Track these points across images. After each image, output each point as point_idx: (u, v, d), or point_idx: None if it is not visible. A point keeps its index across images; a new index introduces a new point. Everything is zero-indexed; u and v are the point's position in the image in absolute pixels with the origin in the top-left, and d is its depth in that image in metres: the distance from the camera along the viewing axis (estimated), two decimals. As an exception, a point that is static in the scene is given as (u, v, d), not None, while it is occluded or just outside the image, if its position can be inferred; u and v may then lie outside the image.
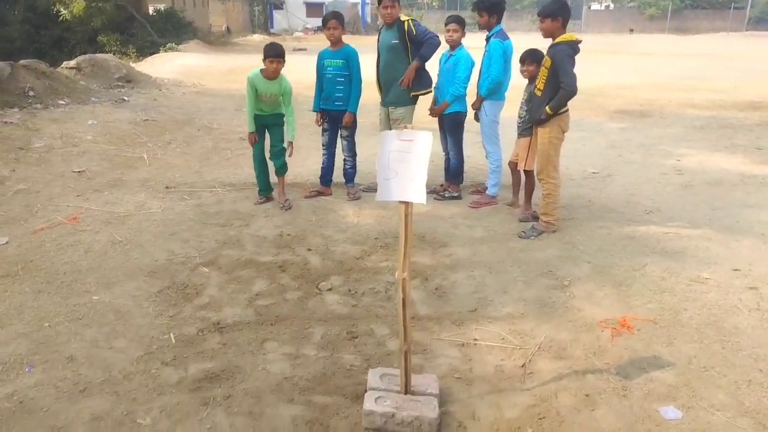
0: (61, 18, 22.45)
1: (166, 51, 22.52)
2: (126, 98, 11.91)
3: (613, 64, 21.36)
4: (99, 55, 14.57)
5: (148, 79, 14.64)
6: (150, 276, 4.28)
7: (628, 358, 3.30)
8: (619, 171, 7.40)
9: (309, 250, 4.85)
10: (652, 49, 28.97)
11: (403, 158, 2.68)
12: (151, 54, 21.77)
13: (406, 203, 2.67)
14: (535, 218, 5.44)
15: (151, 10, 27.86)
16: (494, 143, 5.92)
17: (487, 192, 6.01)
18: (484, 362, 3.31)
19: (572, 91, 4.74)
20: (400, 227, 2.67)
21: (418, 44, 5.62)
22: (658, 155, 8.26)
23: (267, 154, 5.90)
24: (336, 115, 5.90)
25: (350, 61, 5.76)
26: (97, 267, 4.38)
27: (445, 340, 3.55)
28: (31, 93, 10.71)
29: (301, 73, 11.45)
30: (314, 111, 6.02)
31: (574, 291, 4.10)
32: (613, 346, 3.42)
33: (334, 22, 5.70)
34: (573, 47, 4.76)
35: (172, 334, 3.55)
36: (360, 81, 5.83)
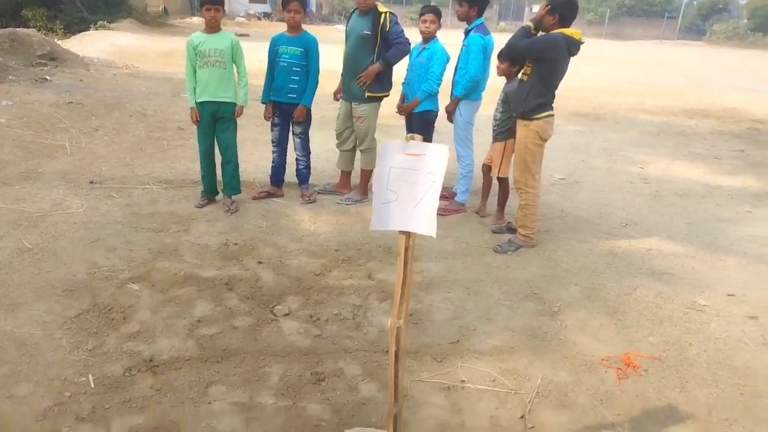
0: (-20, -10, 20.55)
1: (96, 29, 20.99)
2: (48, 77, 10.73)
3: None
4: (20, 30, 13.17)
5: (75, 58, 13.38)
6: (66, 295, 3.52)
7: (641, 408, 2.85)
8: (586, 177, 7.06)
9: (260, 263, 4.19)
10: (592, 53, 29.38)
11: (409, 177, 2.11)
12: (80, 32, 20.23)
13: (407, 234, 2.10)
14: (510, 230, 4.98)
15: (81, -15, 26.01)
16: (467, 146, 5.41)
17: (456, 198, 5.51)
18: (477, 413, 2.78)
19: (508, 50, 4.47)
20: (398, 263, 2.10)
21: (387, 44, 5.03)
22: (621, 161, 8.01)
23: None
24: (288, 109, 5.23)
25: (309, 51, 5.10)
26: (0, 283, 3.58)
27: (428, 382, 3.00)
28: (-65, 67, 9.45)
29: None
30: (264, 103, 5.33)
31: (566, 319, 3.64)
32: (621, 391, 2.97)
33: (296, 4, 5.01)
34: (568, 41, 4.27)
35: (90, 376, 2.84)
36: (317, 72, 5.18)
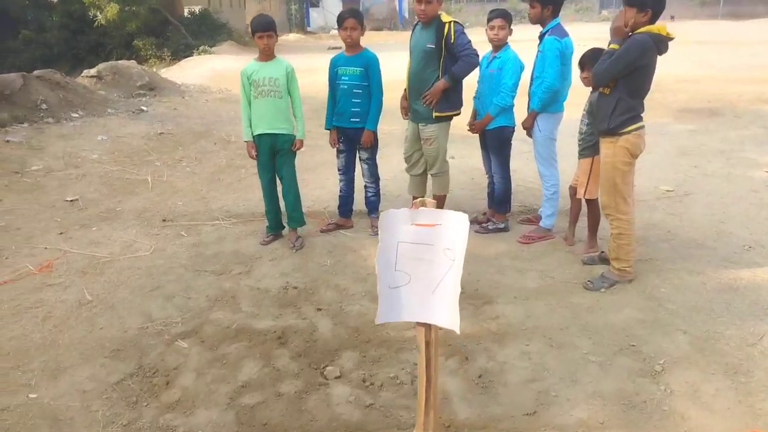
0: (96, 23, 22.20)
1: (199, 54, 21.99)
2: (145, 108, 11.18)
3: (666, 53, 19.62)
4: (121, 63, 13.94)
5: (173, 86, 13.94)
6: (112, 356, 3.37)
7: None
8: (699, 188, 6.17)
9: (319, 309, 3.87)
10: (705, 37, 26.87)
11: (422, 254, 1.69)
12: (186, 57, 21.28)
13: (427, 326, 1.66)
14: (603, 260, 4.33)
15: (186, 12, 27.48)
16: (551, 165, 4.81)
17: (541, 223, 4.91)
18: None
19: (595, 81, 3.81)
20: (420, 365, 1.66)
21: (453, 57, 4.55)
22: (741, 165, 6.97)
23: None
24: (353, 134, 4.89)
25: (370, 69, 4.74)
26: (50, 343, 3.49)
27: (494, 471, 2.51)
28: (43, 106, 10.05)
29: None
30: (327, 129, 5.02)
31: (671, 382, 3.00)
32: (745, 492, 2.33)
33: (352, 21, 4.68)
34: (656, 40, 3.63)
35: (119, 459, 2.61)
36: (381, 93, 4.81)
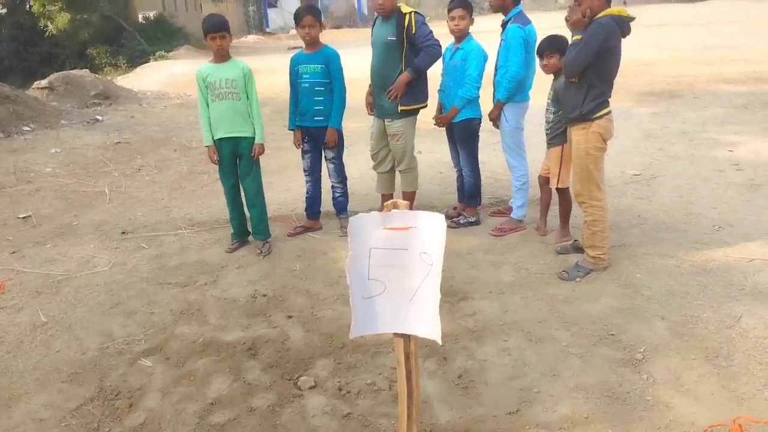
0: (47, 33, 21.50)
1: (156, 60, 21.49)
2: (100, 117, 10.85)
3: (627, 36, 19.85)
4: (73, 72, 13.50)
5: (129, 94, 13.57)
6: (71, 381, 3.17)
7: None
8: (665, 170, 6.19)
9: (289, 317, 3.72)
10: (659, 21, 27.35)
11: (396, 260, 1.56)
12: (142, 63, 20.77)
13: (406, 337, 1.54)
14: (577, 249, 4.28)
15: (140, 18, 26.85)
16: (519, 155, 4.74)
17: (512, 215, 4.84)
18: None
19: (567, 73, 3.73)
20: (399, 378, 1.54)
21: (415, 48, 4.44)
22: (705, 145, 7.04)
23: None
24: (317, 133, 4.75)
25: (331, 66, 4.60)
26: (3, 370, 3.26)
27: (479, 476, 2.41)
28: (-8, 121, 9.66)
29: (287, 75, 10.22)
30: (290, 129, 4.87)
31: (653, 370, 2.94)
32: (736, 480, 2.27)
33: (309, 18, 4.53)
34: (619, 22, 3.58)
35: (80, 493, 2.43)
36: (343, 89, 4.67)
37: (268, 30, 43.04)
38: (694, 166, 6.22)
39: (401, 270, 1.58)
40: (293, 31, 40.34)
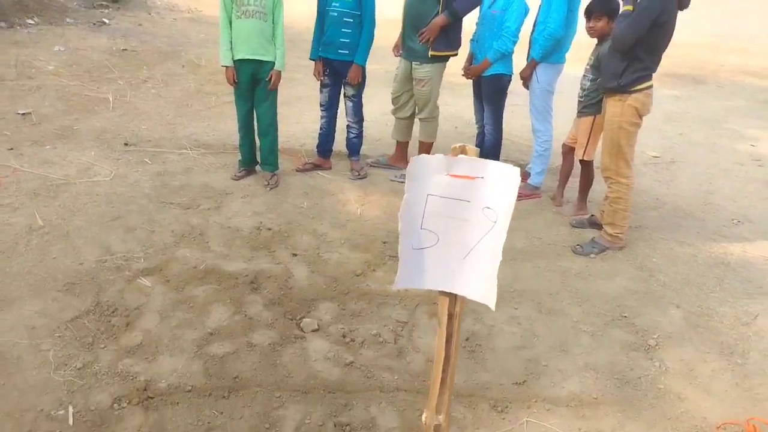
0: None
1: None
2: (107, 21, 10.36)
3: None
4: (82, -31, 12.84)
5: (138, 0, 12.99)
6: (66, 290, 3.05)
7: None
8: (685, 156, 6.04)
9: (294, 255, 3.60)
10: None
11: (455, 211, 1.42)
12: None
13: (452, 296, 1.42)
14: (593, 224, 4.17)
15: None
16: (545, 120, 4.56)
17: (529, 181, 4.69)
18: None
19: (616, 47, 3.48)
20: (438, 340, 1.43)
21: None
22: (727, 136, 6.88)
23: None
24: (339, 67, 4.50)
25: (364, -2, 4.33)
26: (-5, 271, 3.14)
27: (483, 443, 2.35)
28: (-6, 8, 9.20)
29: (309, 2, 9.76)
30: (312, 59, 4.62)
31: (666, 358, 2.87)
32: (745, 481, 2.23)
33: (347, -58, 4.23)
34: None
35: (71, 408, 2.34)
36: (373, 25, 4.41)
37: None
38: (715, 156, 6.08)
39: (459, 223, 1.45)
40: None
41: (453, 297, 1.50)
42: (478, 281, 1.45)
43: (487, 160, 1.45)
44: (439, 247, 1.47)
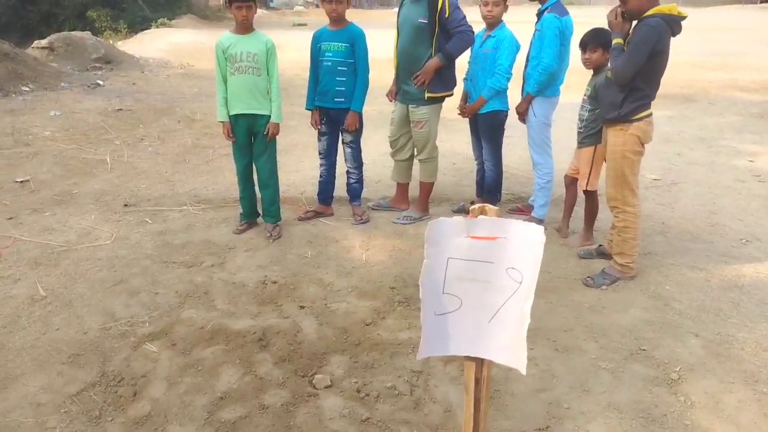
0: (47, -9, 21.02)
1: (157, 27, 21.06)
2: (101, 82, 10.53)
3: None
4: (75, 33, 13.12)
5: (131, 60, 13.22)
6: (71, 362, 2.98)
7: None
8: (685, 176, 6.03)
9: (301, 307, 3.54)
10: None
11: (478, 274, 1.37)
12: (143, 30, 20.33)
13: (479, 361, 1.36)
14: (601, 254, 4.12)
15: (143, -17, 26.26)
16: (545, 152, 4.55)
17: (533, 213, 4.66)
18: None
19: (618, 82, 3.48)
20: (466, 407, 1.37)
21: (447, 32, 4.23)
22: (724, 153, 6.89)
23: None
24: (336, 115, 4.53)
25: (356, 45, 4.37)
26: (-2, 347, 3.07)
27: (511, 498, 2.25)
28: (-10, 78, 9.34)
29: (299, 51, 9.94)
30: (308, 109, 4.65)
31: (690, 392, 2.78)
32: None
33: (337, -8, 4.29)
34: (669, 21, 3.39)
35: (80, 489, 2.25)
36: (367, 71, 4.45)
37: (272, 5, 42.40)
38: (715, 174, 6.07)
39: (483, 285, 1.40)
40: (298, 7, 39.82)
41: (479, 362, 1.44)
42: (505, 344, 1.39)
43: (509, 219, 1.41)
44: (462, 311, 1.41)
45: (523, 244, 1.36)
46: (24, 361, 2.97)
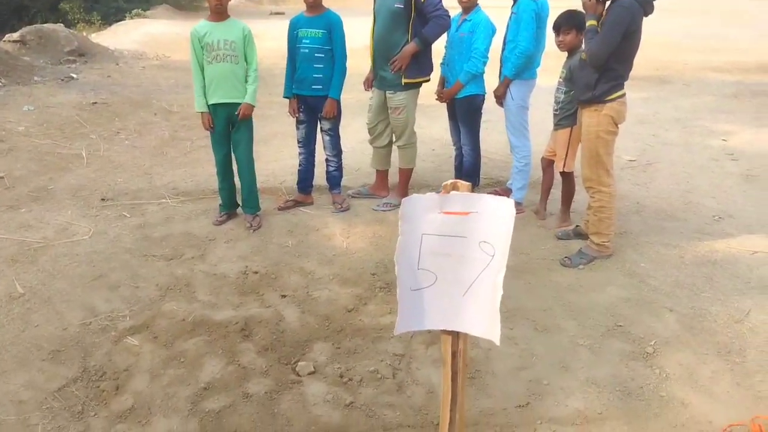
0: (18, -17, 20.58)
1: (132, 18, 20.72)
2: (75, 75, 10.33)
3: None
4: (47, 26, 12.84)
5: (105, 52, 12.98)
6: (52, 359, 2.96)
7: None
8: (661, 157, 6.12)
9: (283, 296, 3.56)
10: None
11: (451, 248, 1.40)
12: (117, 21, 19.99)
13: (455, 334, 1.39)
14: (578, 234, 4.18)
15: (116, -27, 25.78)
16: (522, 135, 4.59)
17: (511, 197, 4.69)
18: None
19: (593, 63, 3.52)
20: (444, 380, 1.40)
21: (423, 17, 4.23)
22: (698, 133, 6.99)
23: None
24: (314, 103, 4.52)
25: (333, 32, 4.35)
26: (-23, 346, 3.05)
27: (493, 475, 2.30)
28: (-40, 74, 9.15)
29: (276, 39, 9.85)
30: (286, 97, 4.62)
31: (666, 364, 2.86)
32: (758, 484, 2.20)
33: (316, -23, 4.28)
34: (643, 2, 3.44)
35: (65, 483, 2.26)
36: (344, 57, 4.44)
37: (248, -7, 41.83)
38: (690, 154, 6.16)
39: (456, 260, 1.43)
40: (275, -4, 39.27)
41: (456, 335, 1.47)
42: (480, 317, 1.43)
43: (480, 195, 1.44)
44: (437, 286, 1.44)
45: (494, 218, 1.39)
46: (4, 358, 2.95)
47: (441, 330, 1.47)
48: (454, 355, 1.48)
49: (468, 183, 1.48)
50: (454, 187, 1.43)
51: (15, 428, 2.52)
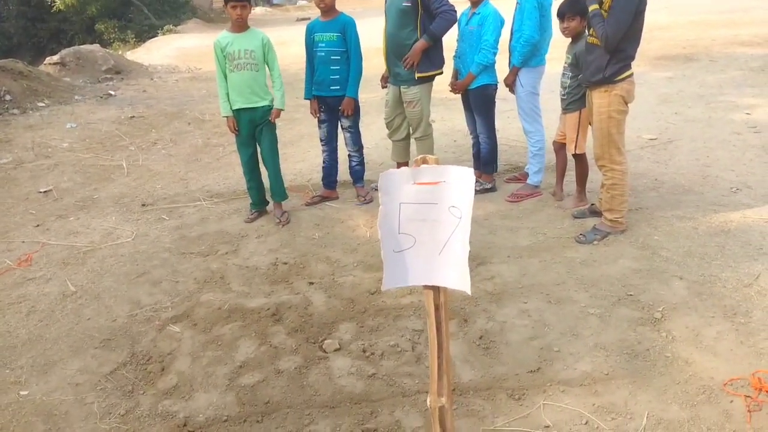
0: (55, 9, 21.53)
1: (164, 34, 21.44)
2: (113, 92, 10.86)
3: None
4: (84, 47, 13.48)
5: (140, 68, 13.56)
6: (103, 347, 3.27)
7: (785, 456, 2.20)
8: (682, 134, 6.15)
9: (311, 283, 3.80)
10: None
11: (426, 214, 1.60)
12: (150, 38, 20.72)
13: (436, 289, 1.59)
14: (594, 213, 4.30)
15: (147, -8, 26.67)
16: (535, 120, 4.73)
17: (528, 181, 4.85)
18: (566, 473, 2.25)
19: (608, 46, 3.59)
20: (430, 330, 1.60)
21: (430, 14, 4.42)
22: (722, 108, 6.97)
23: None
24: (333, 103, 4.76)
25: (347, 34, 4.58)
26: (37, 338, 3.37)
27: (504, 430, 2.48)
28: (7, 97, 9.71)
29: (303, 45, 10.08)
30: (307, 99, 4.88)
31: (672, 328, 2.98)
32: (755, 430, 2.32)
33: (324, -16, 4.51)
34: None
35: (119, 450, 2.54)
36: (360, 58, 4.66)
37: (274, 2, 42.58)
38: (712, 129, 6.18)
39: (431, 224, 1.62)
40: (301, 2, 39.91)
41: (436, 290, 1.67)
42: (454, 271, 1.62)
43: (446, 166, 1.63)
44: (416, 247, 1.64)
45: (459, 186, 1.58)
46: (61, 348, 3.27)
47: (423, 286, 1.66)
48: (437, 308, 1.66)
49: (435, 156, 1.67)
50: (424, 161, 1.62)
51: (73, 406, 2.81)
